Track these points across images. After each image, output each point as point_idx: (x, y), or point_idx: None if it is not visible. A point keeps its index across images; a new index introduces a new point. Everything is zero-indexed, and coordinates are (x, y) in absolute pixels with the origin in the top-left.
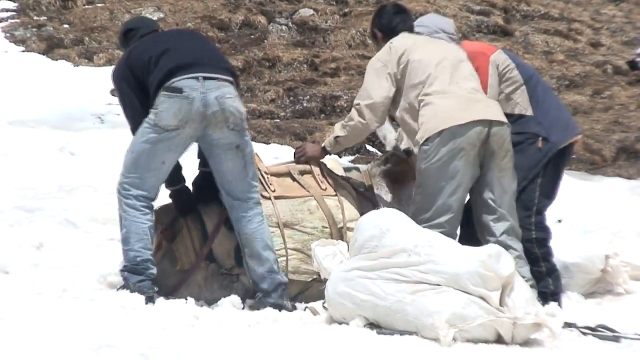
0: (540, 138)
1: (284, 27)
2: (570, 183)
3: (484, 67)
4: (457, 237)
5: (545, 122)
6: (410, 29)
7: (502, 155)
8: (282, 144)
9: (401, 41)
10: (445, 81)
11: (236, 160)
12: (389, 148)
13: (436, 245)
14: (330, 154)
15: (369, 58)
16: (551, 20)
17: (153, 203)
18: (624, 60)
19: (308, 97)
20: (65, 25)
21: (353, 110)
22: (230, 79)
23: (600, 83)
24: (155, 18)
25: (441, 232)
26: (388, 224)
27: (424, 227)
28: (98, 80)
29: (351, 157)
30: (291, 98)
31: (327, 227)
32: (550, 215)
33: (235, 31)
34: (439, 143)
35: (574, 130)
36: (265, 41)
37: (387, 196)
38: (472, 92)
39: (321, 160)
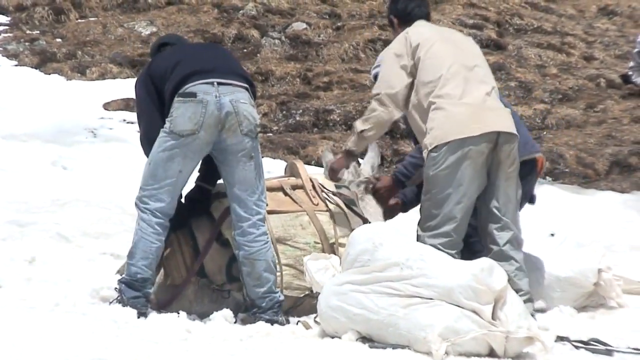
0: None
1: (277, 41)
2: (563, 197)
3: None
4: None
5: None
6: (427, 16)
7: (509, 164)
8: (274, 158)
9: (416, 33)
10: (458, 86)
11: (249, 170)
12: (365, 174)
13: (428, 258)
14: (357, 156)
15: (362, 72)
16: (544, 34)
17: (168, 223)
18: (617, 74)
19: (301, 111)
20: (58, 39)
21: (373, 101)
22: (245, 85)
23: (593, 97)
24: (148, 32)
25: (448, 241)
26: (380, 238)
27: (430, 235)
28: (91, 94)
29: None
30: (284, 112)
31: (319, 243)
32: (543, 228)
33: (229, 45)
34: (447, 151)
35: (532, 147)
36: (258, 55)
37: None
38: (484, 99)
39: (312, 176)
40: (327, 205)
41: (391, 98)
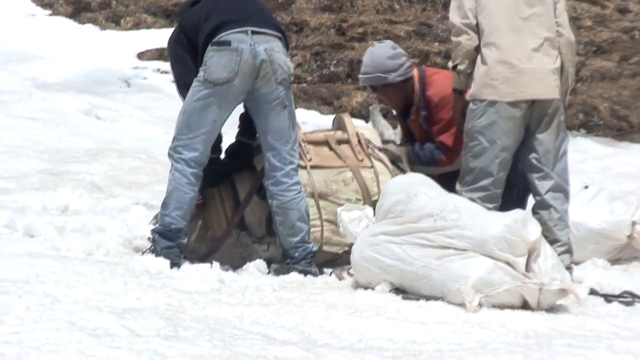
0: None
1: None
2: (597, 149)
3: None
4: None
5: None
6: None
7: (547, 121)
8: (308, 109)
9: None
10: (507, 37)
11: (282, 119)
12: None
13: (463, 210)
14: (464, 92)
15: (397, 23)
16: None
17: (202, 172)
18: None
19: (335, 61)
20: None
21: (452, 36)
22: (279, 34)
23: (627, 49)
24: None
25: (485, 195)
26: (415, 189)
27: (468, 189)
28: (125, 44)
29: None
30: (318, 62)
31: (360, 200)
32: (577, 181)
33: None
34: (486, 105)
35: None
36: (293, 5)
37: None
38: (530, 56)
39: (359, 131)
40: (371, 162)
41: (468, 27)
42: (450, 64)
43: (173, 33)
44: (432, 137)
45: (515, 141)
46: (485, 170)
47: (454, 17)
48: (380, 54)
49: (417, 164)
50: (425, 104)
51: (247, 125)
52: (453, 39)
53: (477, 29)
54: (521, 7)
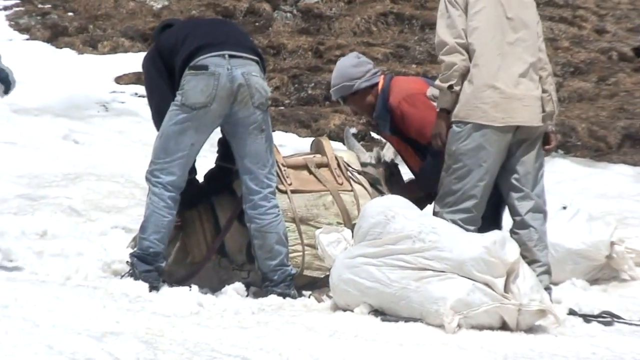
0: None
1: (288, 15)
2: (575, 170)
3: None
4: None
5: None
6: None
7: (531, 142)
8: (286, 132)
9: None
10: (494, 61)
11: (260, 143)
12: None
13: (441, 231)
14: (450, 112)
15: (374, 45)
16: (556, 7)
17: (179, 196)
18: (629, 46)
19: (313, 84)
20: (70, 13)
21: (446, 55)
22: (256, 58)
23: (605, 70)
24: (159, 6)
25: (467, 217)
26: (393, 211)
27: (449, 211)
28: (102, 68)
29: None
30: (296, 85)
31: (341, 223)
32: (555, 202)
33: (240, 19)
34: (471, 128)
35: None
36: (270, 28)
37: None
38: (517, 82)
39: (337, 154)
40: (351, 185)
41: (462, 47)
42: (441, 84)
43: (149, 53)
44: (414, 139)
45: (499, 165)
46: (469, 193)
47: (446, 35)
48: (345, 64)
49: (432, 176)
50: (387, 110)
51: (226, 149)
52: (445, 58)
53: (466, 49)
54: (507, 31)
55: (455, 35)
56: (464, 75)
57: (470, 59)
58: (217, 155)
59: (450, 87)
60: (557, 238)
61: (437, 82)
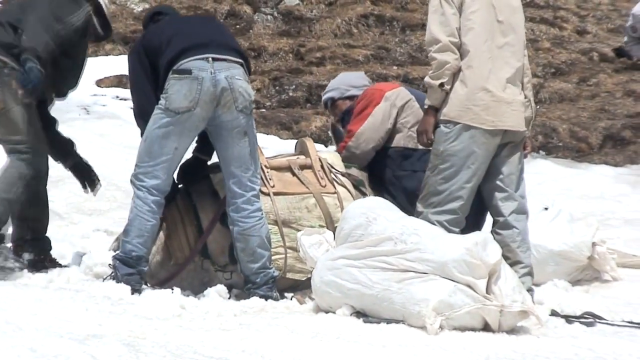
0: None
1: (269, 17)
2: (557, 170)
3: (374, 104)
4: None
5: None
6: None
7: (514, 145)
8: (268, 134)
9: None
10: (486, 64)
11: (243, 147)
12: None
13: (422, 233)
14: (439, 110)
15: (355, 47)
16: (537, 8)
17: (164, 200)
18: (610, 47)
19: (294, 86)
20: None
21: (438, 53)
22: (240, 60)
23: (586, 70)
24: (140, 9)
25: (453, 219)
26: (374, 213)
27: (434, 212)
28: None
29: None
30: (277, 87)
31: (324, 226)
32: (537, 202)
33: (221, 21)
34: (461, 129)
35: None
36: (251, 31)
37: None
38: (505, 86)
39: (321, 156)
40: (334, 187)
41: (455, 45)
42: (431, 81)
43: (135, 47)
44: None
45: (486, 167)
46: (455, 194)
47: (439, 33)
48: (350, 75)
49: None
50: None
51: (204, 143)
52: (437, 55)
53: (459, 49)
54: (497, 35)
55: (449, 34)
56: (454, 73)
57: (461, 59)
58: (195, 145)
59: (442, 85)
60: (539, 239)
61: (427, 79)
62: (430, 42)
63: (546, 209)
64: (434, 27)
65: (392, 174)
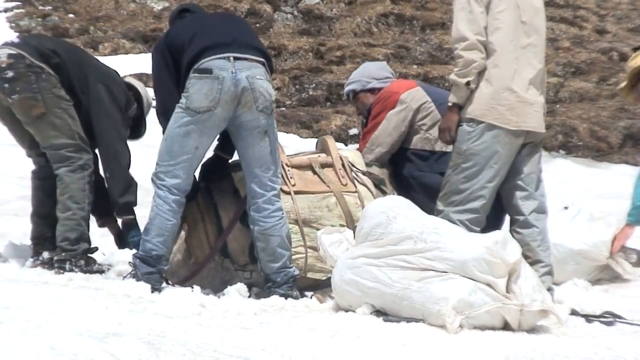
0: None
1: (289, 16)
2: (577, 170)
3: (388, 109)
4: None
5: None
6: None
7: (534, 145)
8: (288, 133)
9: None
10: (511, 64)
11: (263, 147)
12: None
13: (442, 232)
14: (462, 107)
15: (375, 46)
16: (557, 8)
17: (184, 199)
18: (629, 47)
19: (314, 85)
20: (71, 15)
21: (466, 51)
22: (262, 59)
23: (606, 70)
24: (160, 7)
25: (474, 218)
26: (394, 211)
27: (456, 210)
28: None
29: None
30: (297, 86)
31: (344, 225)
32: (557, 202)
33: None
34: (484, 128)
35: None
36: (271, 30)
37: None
38: (528, 87)
39: (342, 154)
40: (355, 186)
41: (483, 44)
42: (458, 79)
43: (159, 45)
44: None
45: (508, 167)
46: (477, 194)
47: (467, 31)
48: (371, 65)
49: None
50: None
51: (225, 141)
52: (464, 53)
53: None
54: (520, 36)
55: (477, 32)
56: (480, 72)
57: (487, 58)
58: (216, 143)
59: (468, 83)
60: (558, 238)
61: (453, 76)
62: (457, 39)
63: (566, 208)
64: (462, 25)
65: (410, 174)
